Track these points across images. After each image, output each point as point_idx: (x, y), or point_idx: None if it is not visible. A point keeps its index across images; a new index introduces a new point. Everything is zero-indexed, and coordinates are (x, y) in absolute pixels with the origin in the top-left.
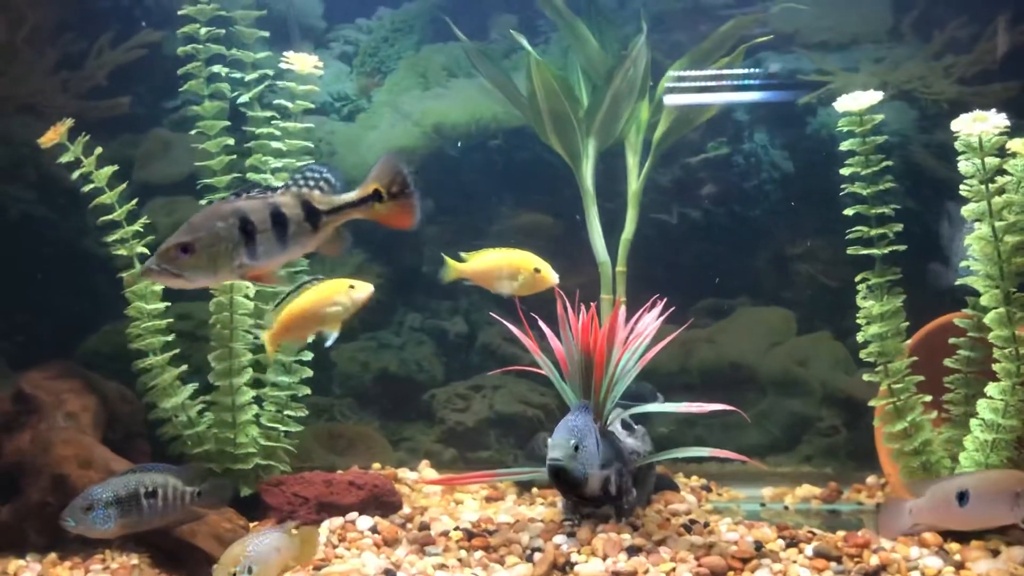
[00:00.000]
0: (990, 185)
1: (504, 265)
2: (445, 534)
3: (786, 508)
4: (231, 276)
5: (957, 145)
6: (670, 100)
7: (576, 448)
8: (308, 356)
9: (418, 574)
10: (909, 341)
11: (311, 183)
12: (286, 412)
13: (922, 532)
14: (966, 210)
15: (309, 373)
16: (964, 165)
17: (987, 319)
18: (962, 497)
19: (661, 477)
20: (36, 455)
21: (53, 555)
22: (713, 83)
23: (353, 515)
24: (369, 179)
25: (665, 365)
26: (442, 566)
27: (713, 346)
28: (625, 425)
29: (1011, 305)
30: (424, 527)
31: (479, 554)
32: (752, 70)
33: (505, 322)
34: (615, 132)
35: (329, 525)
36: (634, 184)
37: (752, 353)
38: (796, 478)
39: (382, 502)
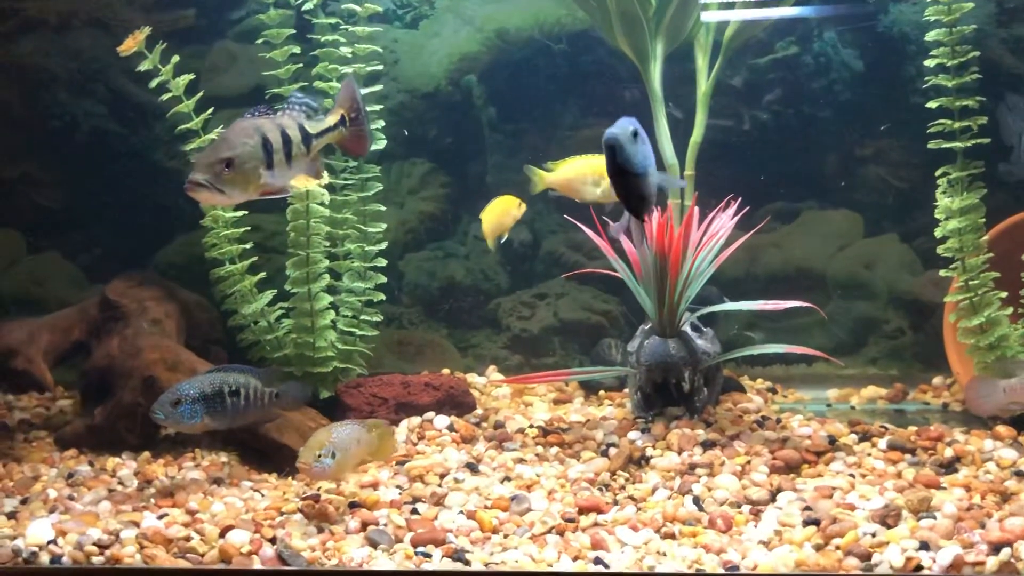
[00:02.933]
0: None
1: (588, 172)
2: (521, 431)
3: (852, 408)
4: (253, 193)
5: None
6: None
7: (635, 134)
8: (382, 263)
9: (499, 467)
10: (986, 237)
11: (300, 108)
12: (362, 317)
13: (1017, 411)
14: None
15: (383, 280)
16: None
17: None
18: None
19: (728, 379)
20: (125, 359)
21: (147, 454)
22: None
23: (430, 414)
24: (336, 104)
25: (731, 270)
26: (521, 460)
27: (779, 250)
28: (694, 327)
29: None
30: (499, 425)
31: (555, 450)
32: None
33: (581, 225)
34: (684, 31)
35: (408, 424)
36: (703, 85)
37: (818, 257)
38: (862, 380)
39: (457, 402)
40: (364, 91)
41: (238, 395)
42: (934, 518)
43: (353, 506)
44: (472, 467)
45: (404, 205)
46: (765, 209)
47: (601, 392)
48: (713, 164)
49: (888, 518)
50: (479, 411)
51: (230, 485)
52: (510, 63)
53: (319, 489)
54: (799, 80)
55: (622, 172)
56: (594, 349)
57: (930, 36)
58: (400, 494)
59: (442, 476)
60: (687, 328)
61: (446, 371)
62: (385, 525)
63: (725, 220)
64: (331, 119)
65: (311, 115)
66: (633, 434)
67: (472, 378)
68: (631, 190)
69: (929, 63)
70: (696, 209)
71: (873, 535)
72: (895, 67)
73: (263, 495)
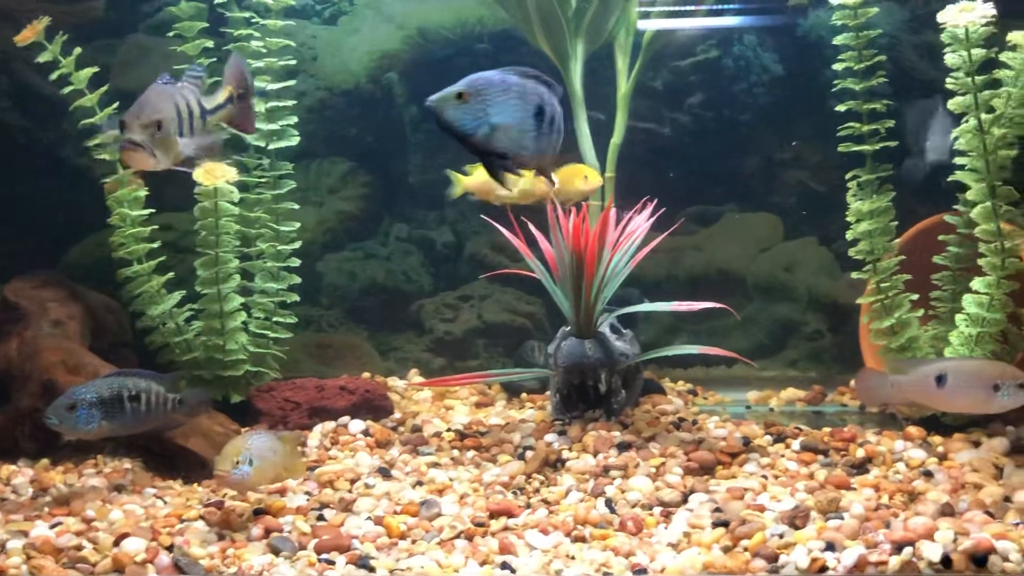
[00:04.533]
0: (976, 77)
1: None
2: (438, 435)
3: (771, 410)
4: (173, 160)
5: (943, 37)
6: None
7: (460, 96)
8: (296, 263)
9: (412, 472)
10: (899, 240)
11: (196, 82)
12: (274, 319)
13: (899, 406)
14: (953, 103)
15: (297, 280)
16: (951, 57)
17: (973, 213)
18: (940, 380)
19: (648, 381)
20: (24, 362)
21: (45, 461)
22: None
23: (345, 419)
24: (224, 82)
25: (652, 272)
26: (435, 464)
27: (700, 253)
28: (614, 329)
29: (996, 198)
30: (416, 429)
31: (471, 453)
32: None
33: (497, 224)
34: (605, 33)
35: (322, 429)
36: (624, 87)
37: (739, 259)
38: (781, 382)
39: (374, 406)
40: (278, 86)
41: (138, 400)
42: (841, 519)
43: (258, 513)
44: (384, 472)
45: (323, 204)
46: (686, 212)
47: (523, 395)
48: (634, 166)
49: (797, 519)
50: (397, 415)
51: (132, 492)
52: (432, 61)
53: (224, 495)
54: (720, 83)
55: (453, 135)
56: (517, 351)
57: (838, 40)
58: (308, 500)
59: (353, 481)
60: (606, 329)
61: (366, 375)
62: (289, 532)
63: (641, 221)
64: (221, 96)
65: (204, 90)
66: (550, 436)
67: (393, 382)
68: (471, 150)
69: (837, 67)
70: (614, 210)
71: (781, 536)
72: (813, 71)
73: (165, 502)
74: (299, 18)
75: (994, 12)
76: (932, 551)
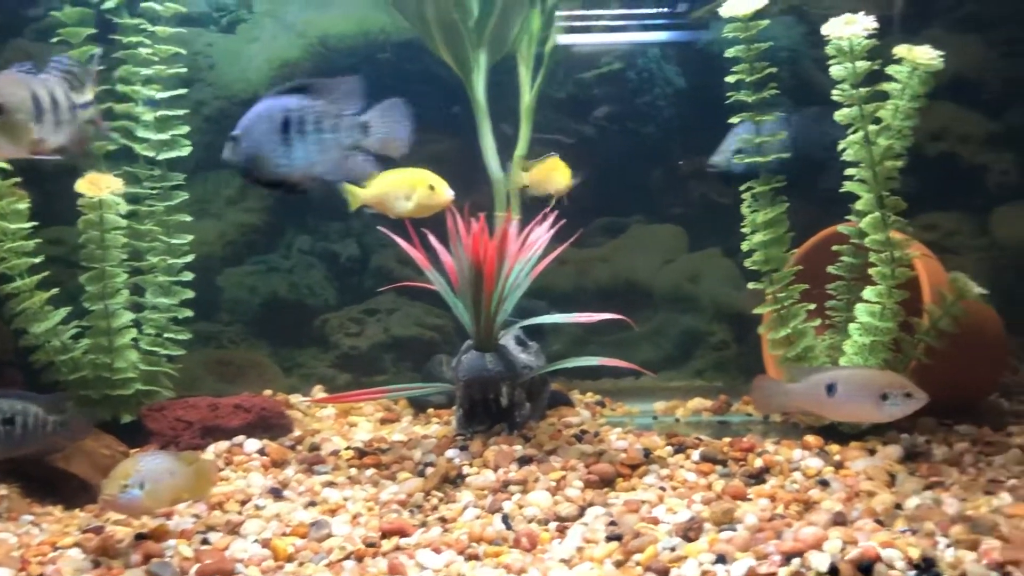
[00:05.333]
0: (862, 89)
1: (398, 186)
2: (335, 453)
3: (677, 420)
4: (25, 149)
5: (828, 49)
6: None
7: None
8: (188, 277)
9: (305, 492)
10: (797, 251)
11: (64, 74)
12: (167, 336)
13: (794, 413)
14: (839, 115)
15: (190, 295)
16: (836, 69)
17: (863, 223)
18: (831, 389)
19: (556, 393)
20: None
21: None
22: None
23: (240, 438)
24: (91, 79)
25: (560, 284)
26: (331, 483)
27: (608, 264)
28: (519, 342)
29: (885, 209)
30: (314, 448)
31: (370, 471)
32: None
33: (395, 237)
34: (507, 43)
35: (215, 449)
36: (527, 98)
37: (645, 270)
38: (688, 392)
39: (271, 425)
40: (169, 94)
41: (13, 423)
42: (734, 530)
43: (140, 538)
44: (277, 492)
45: (223, 216)
46: (594, 223)
47: (430, 410)
48: None
49: (690, 531)
50: (296, 433)
51: (7, 520)
52: (334, 71)
53: (106, 520)
54: (624, 95)
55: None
56: (425, 366)
57: (730, 53)
58: (194, 523)
59: (243, 503)
60: (510, 342)
61: (268, 392)
62: (171, 556)
63: (542, 232)
64: (90, 94)
65: (73, 85)
66: (451, 452)
67: (296, 399)
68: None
69: (730, 79)
70: (515, 221)
71: (673, 549)
72: (716, 84)
73: (42, 529)
74: (195, 26)
75: (876, 25)
76: (820, 561)
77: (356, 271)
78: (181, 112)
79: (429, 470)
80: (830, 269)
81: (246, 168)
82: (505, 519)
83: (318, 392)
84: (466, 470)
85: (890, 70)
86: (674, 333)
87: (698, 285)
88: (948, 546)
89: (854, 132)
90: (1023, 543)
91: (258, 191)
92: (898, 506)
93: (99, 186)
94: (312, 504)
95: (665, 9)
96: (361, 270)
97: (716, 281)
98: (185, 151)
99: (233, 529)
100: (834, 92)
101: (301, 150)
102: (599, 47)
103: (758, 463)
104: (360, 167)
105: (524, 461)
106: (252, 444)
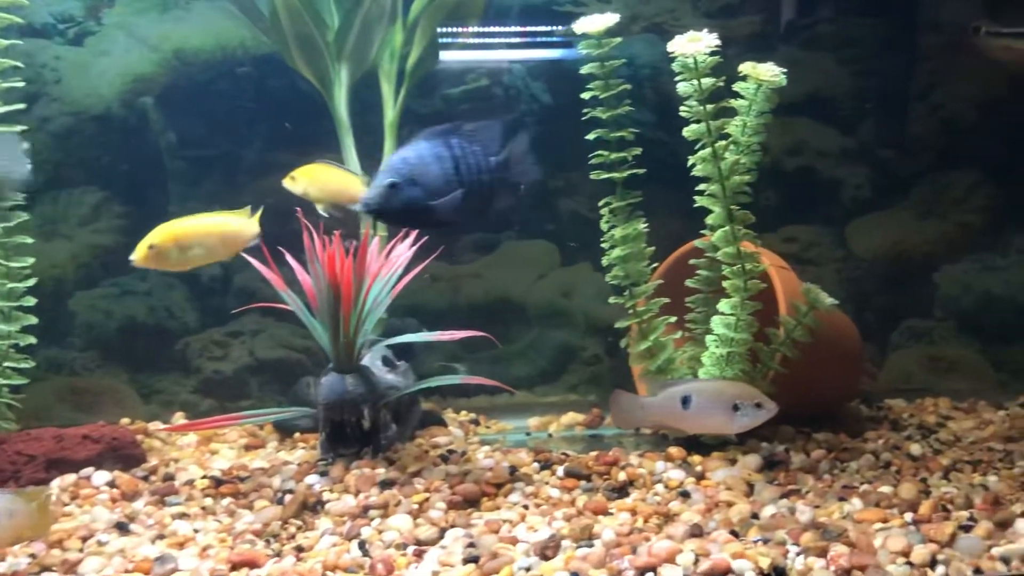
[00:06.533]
0: (709, 105)
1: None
2: (190, 483)
3: (550, 436)
4: None
5: (674, 66)
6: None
7: (395, 186)
8: (31, 302)
9: (154, 525)
10: (661, 266)
11: None
12: (7, 364)
13: (652, 427)
14: (688, 131)
15: (32, 320)
16: (683, 86)
17: (714, 237)
18: (685, 401)
19: (429, 413)
20: None
21: None
22: (467, 14)
23: (89, 470)
24: None
25: (433, 302)
26: (183, 515)
27: (481, 281)
28: (387, 362)
29: (734, 222)
30: (169, 478)
31: (227, 501)
32: (509, 0)
33: (249, 258)
34: (368, 58)
35: (60, 483)
36: (390, 114)
37: (518, 286)
38: (562, 407)
39: (123, 455)
40: (5, 110)
41: None
42: (592, 546)
43: None
44: (123, 527)
45: (74, 238)
46: (464, 241)
47: (297, 434)
48: None
49: (548, 550)
50: (152, 463)
51: None
52: (190, 86)
53: None
54: (491, 112)
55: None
56: (292, 388)
57: (584, 70)
58: (28, 563)
59: (85, 539)
60: (376, 362)
61: (126, 421)
62: None
63: (403, 249)
64: None
65: None
66: (312, 478)
67: (155, 426)
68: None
69: (585, 95)
70: (376, 239)
71: (528, 569)
72: (583, 101)
73: None
74: (38, 38)
75: (719, 42)
76: (672, 575)
77: (219, 292)
78: (18, 128)
79: (288, 497)
80: (688, 282)
81: (406, 212)
82: (362, 545)
83: (179, 419)
84: (326, 496)
85: (737, 87)
86: (548, 348)
87: (571, 300)
88: (799, 554)
89: (702, 148)
90: (869, 548)
91: (113, 210)
92: (755, 515)
93: None
94: (160, 537)
95: (532, 27)
96: (224, 291)
97: (588, 296)
98: (25, 169)
99: (71, 568)
100: (681, 108)
101: (468, 191)
102: (466, 63)
103: (622, 476)
104: (505, 202)
105: (386, 484)
106: (101, 476)
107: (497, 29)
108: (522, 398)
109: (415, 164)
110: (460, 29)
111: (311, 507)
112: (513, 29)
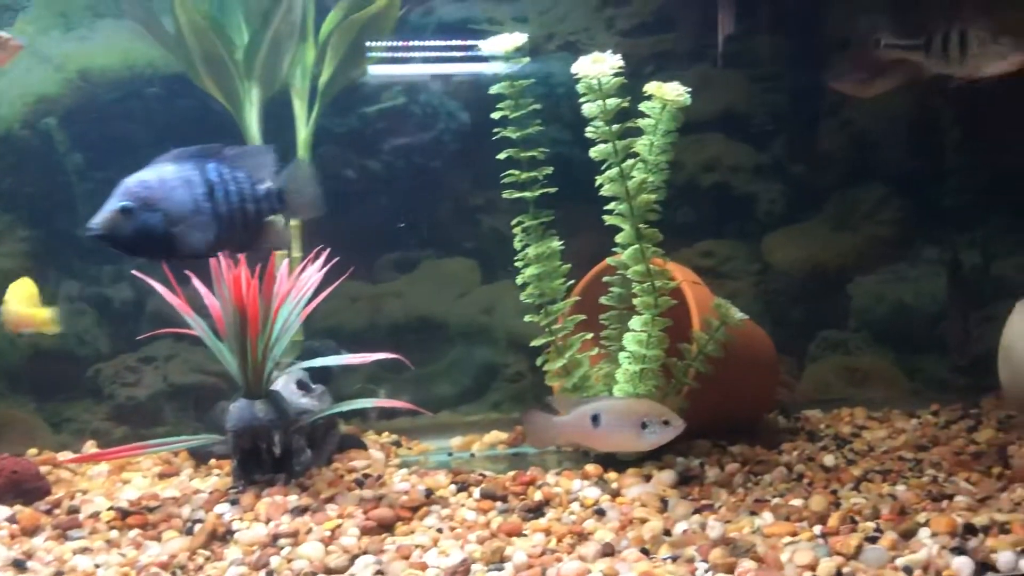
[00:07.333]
0: (614, 126)
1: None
2: (95, 516)
3: (472, 455)
4: None
5: (579, 87)
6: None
7: (128, 211)
8: None
9: (53, 560)
10: (579, 283)
11: None
12: None
13: (565, 446)
14: (594, 151)
15: None
16: (588, 107)
17: (624, 255)
18: (595, 419)
19: (348, 436)
20: None
21: None
22: (379, 30)
23: None
24: None
25: (352, 322)
26: (85, 549)
27: (401, 300)
28: (302, 385)
29: (643, 241)
30: (73, 511)
31: (134, 533)
32: (424, 18)
33: (151, 282)
34: (279, 76)
35: None
36: (303, 132)
37: (439, 305)
38: (486, 425)
39: (24, 489)
40: None
41: None
42: (502, 569)
43: None
44: (19, 564)
45: None
46: (383, 260)
47: (212, 461)
48: (326, 215)
49: (458, 574)
50: (58, 495)
51: None
52: (97, 106)
53: None
54: (409, 130)
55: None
56: (208, 414)
57: (493, 89)
58: None
59: None
60: (289, 385)
61: (33, 451)
62: None
63: (313, 271)
64: None
65: None
66: (222, 506)
67: (65, 456)
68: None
69: (495, 115)
70: (287, 260)
71: None
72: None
73: None
74: None
75: (622, 64)
76: None
77: (131, 316)
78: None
79: (198, 527)
80: (602, 299)
81: (141, 240)
82: (270, 575)
83: (90, 448)
84: (236, 525)
85: (643, 106)
86: (470, 367)
87: (492, 317)
88: (707, 571)
89: (608, 168)
90: (776, 563)
91: (17, 234)
92: (667, 532)
93: None
94: (59, 574)
95: (450, 45)
96: (136, 315)
97: (509, 312)
98: None
99: None
100: (587, 129)
101: (225, 221)
102: (383, 80)
103: (538, 496)
104: (279, 237)
105: (298, 511)
106: (1, 512)
107: (415, 45)
108: (445, 417)
109: (154, 188)
110: (374, 45)
111: (220, 537)
112: (431, 45)
